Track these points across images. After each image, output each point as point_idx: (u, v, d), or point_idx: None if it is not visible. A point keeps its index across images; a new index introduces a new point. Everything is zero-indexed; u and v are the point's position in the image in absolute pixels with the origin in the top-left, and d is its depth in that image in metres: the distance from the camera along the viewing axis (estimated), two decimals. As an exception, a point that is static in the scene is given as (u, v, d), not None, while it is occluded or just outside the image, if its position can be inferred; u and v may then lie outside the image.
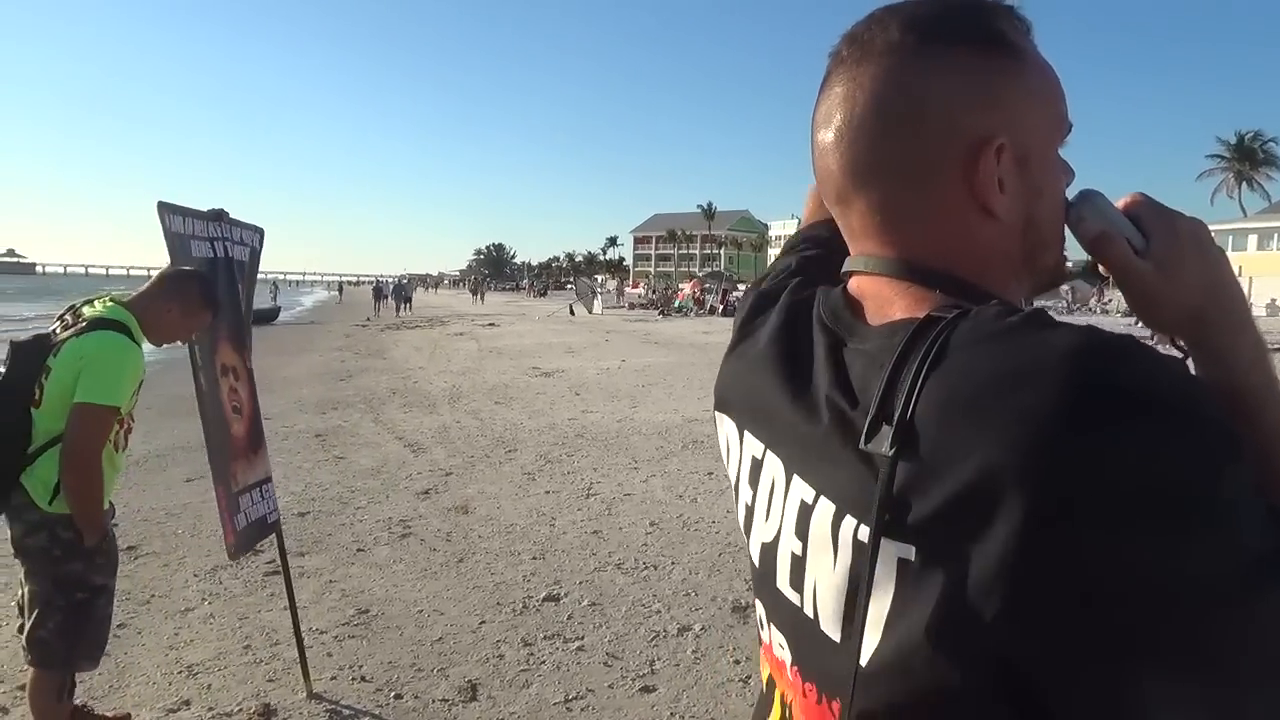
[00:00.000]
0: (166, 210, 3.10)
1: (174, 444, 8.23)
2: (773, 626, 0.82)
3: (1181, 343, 0.75)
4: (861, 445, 0.65)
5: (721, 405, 0.92)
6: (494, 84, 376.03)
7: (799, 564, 0.74)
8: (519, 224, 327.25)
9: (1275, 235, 49.80)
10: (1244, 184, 76.19)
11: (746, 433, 0.85)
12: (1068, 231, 0.78)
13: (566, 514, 6.35)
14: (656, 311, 41.47)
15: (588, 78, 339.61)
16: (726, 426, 0.91)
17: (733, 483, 0.89)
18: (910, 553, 0.61)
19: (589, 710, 3.52)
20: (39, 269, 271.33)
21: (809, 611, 0.73)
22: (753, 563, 0.85)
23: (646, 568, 5.15)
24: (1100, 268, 0.77)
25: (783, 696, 0.82)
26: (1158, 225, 0.75)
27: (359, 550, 5.49)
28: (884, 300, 0.75)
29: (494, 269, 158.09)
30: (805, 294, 0.86)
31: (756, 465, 0.82)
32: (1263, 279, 38.26)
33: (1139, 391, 0.56)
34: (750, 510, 0.84)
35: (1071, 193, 0.79)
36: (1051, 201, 0.75)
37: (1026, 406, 0.56)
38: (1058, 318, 0.63)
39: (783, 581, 0.77)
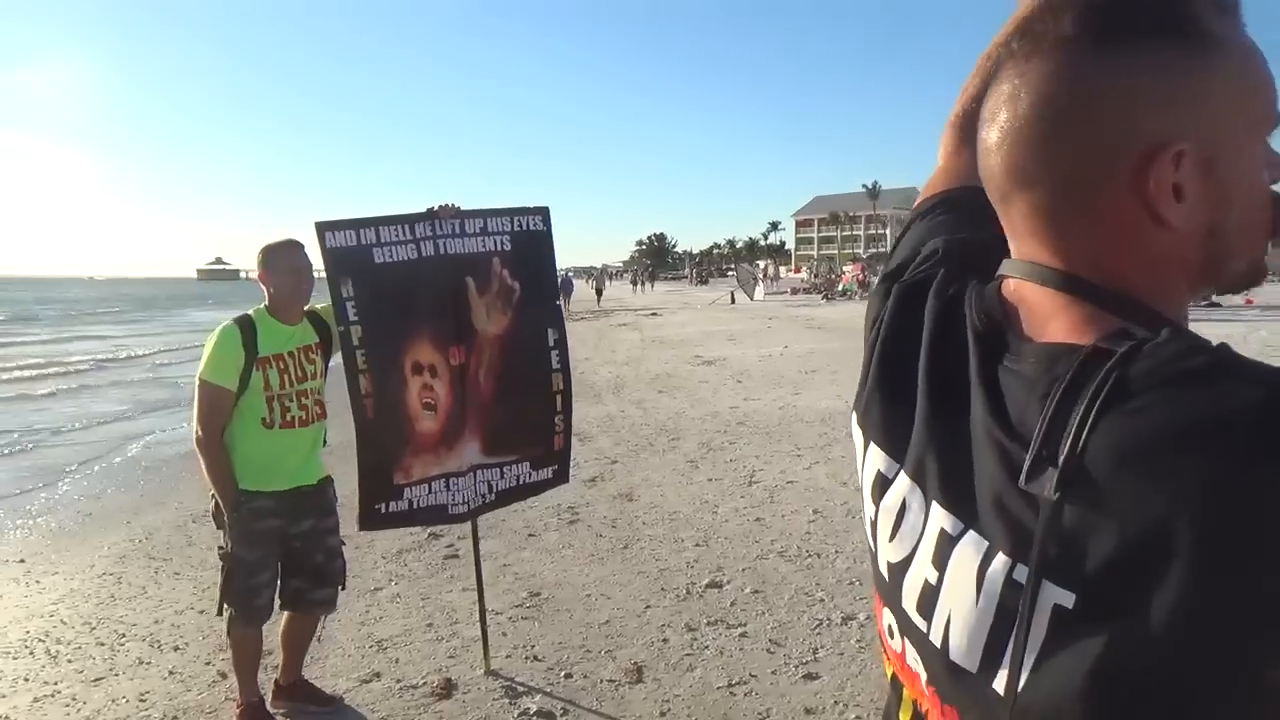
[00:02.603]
0: (327, 229, 3.34)
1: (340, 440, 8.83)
2: (905, 640, 0.80)
3: None
4: (1021, 483, 0.63)
5: (861, 415, 0.89)
6: (648, 73, 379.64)
7: (931, 592, 0.73)
8: (680, 213, 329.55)
9: None
10: None
11: (873, 445, 0.85)
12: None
13: (729, 501, 6.39)
14: (820, 295, 40.75)
15: (743, 61, 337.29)
16: (858, 435, 0.90)
17: (864, 482, 0.87)
18: (1070, 600, 0.60)
19: (752, 695, 3.55)
20: (243, 274, 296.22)
21: (936, 640, 0.72)
22: (880, 571, 0.84)
23: (809, 555, 5.13)
24: None
25: (916, 704, 0.81)
26: None
27: (530, 535, 5.73)
28: (1044, 313, 0.71)
29: (656, 258, 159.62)
30: (954, 291, 0.82)
31: (884, 482, 0.82)
32: None
33: None
34: (875, 524, 0.83)
35: None
36: (1245, 205, 0.69)
37: (1207, 465, 0.55)
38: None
39: (909, 604, 0.76)
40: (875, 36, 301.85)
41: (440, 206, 3.51)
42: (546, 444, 3.82)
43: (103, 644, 4.35)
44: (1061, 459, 0.60)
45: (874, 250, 77.88)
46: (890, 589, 0.81)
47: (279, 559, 3.33)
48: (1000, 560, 0.66)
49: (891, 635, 0.84)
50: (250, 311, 3.33)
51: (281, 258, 3.29)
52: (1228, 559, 0.54)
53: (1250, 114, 0.69)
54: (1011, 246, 0.76)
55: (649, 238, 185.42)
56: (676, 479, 7.14)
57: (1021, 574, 0.63)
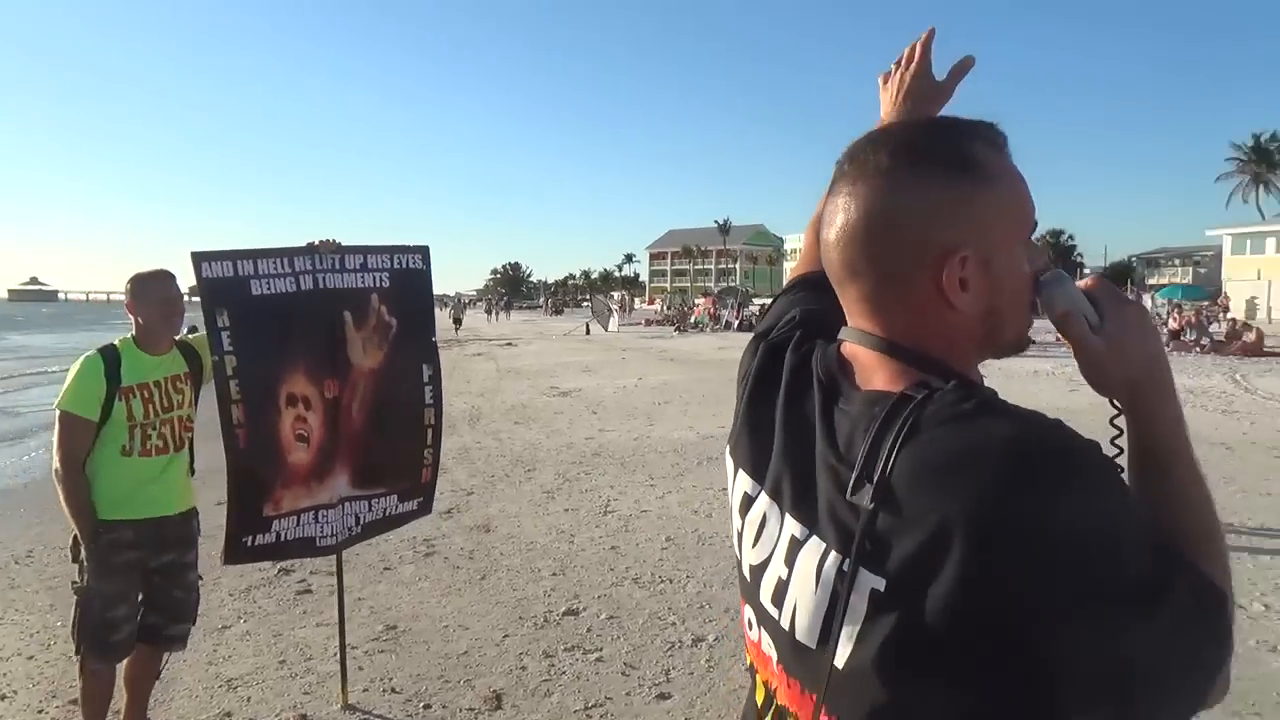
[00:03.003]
0: (204, 259, 3.33)
1: (209, 467, 8.48)
2: (761, 630, 1.02)
3: (1120, 403, 0.95)
4: (848, 497, 0.85)
5: (733, 447, 1.11)
6: (505, 104, 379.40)
7: (783, 586, 0.94)
8: (535, 243, 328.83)
9: (1294, 238, 49.42)
10: (1261, 186, 75.72)
11: (741, 471, 1.07)
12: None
13: (585, 531, 6.55)
14: (673, 328, 41.67)
15: (599, 95, 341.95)
16: (730, 463, 1.11)
17: (731, 499, 1.10)
18: (882, 584, 0.81)
19: (608, 717, 3.70)
20: (61, 296, 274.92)
21: (785, 624, 0.94)
22: (743, 575, 1.05)
23: (662, 581, 5.34)
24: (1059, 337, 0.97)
25: (767, 684, 1.03)
26: (1110, 308, 0.95)
27: (386, 569, 5.70)
28: (869, 369, 0.94)
29: (511, 288, 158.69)
30: (806, 348, 1.06)
31: (748, 501, 1.03)
32: (1282, 282, 38.09)
33: (1054, 473, 0.77)
34: (741, 535, 1.04)
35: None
36: (1012, 291, 0.93)
37: (972, 482, 0.78)
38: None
39: (766, 598, 0.98)
40: (730, 80, 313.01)
41: (320, 241, 3.55)
42: (415, 477, 3.88)
43: (-82, 696, 4.06)
44: (876, 477, 0.82)
45: (725, 284, 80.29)
46: (751, 588, 1.02)
47: (139, 593, 3.25)
48: (833, 557, 0.87)
49: (751, 628, 1.05)
50: (116, 341, 3.28)
51: (151, 288, 3.25)
52: (988, 549, 0.75)
53: (1016, 223, 0.94)
54: (847, 318, 1.00)
55: (504, 266, 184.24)
56: (533, 510, 7.24)
57: (846, 567, 0.85)
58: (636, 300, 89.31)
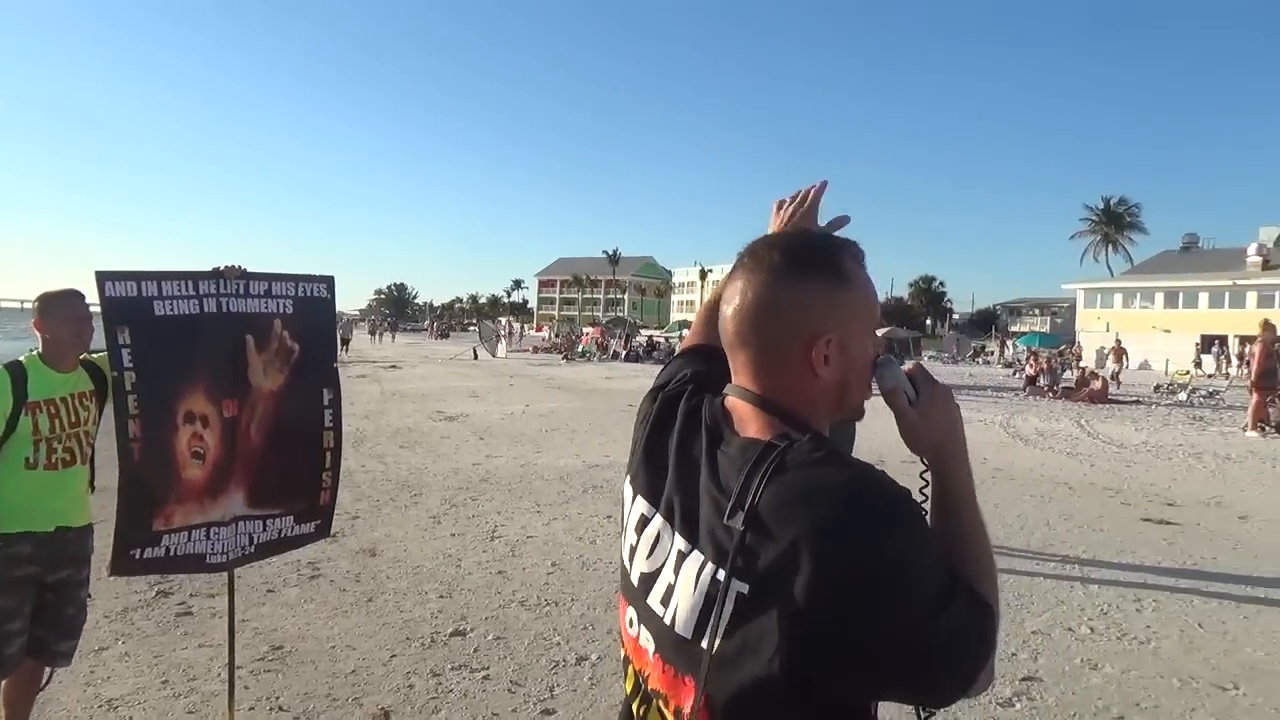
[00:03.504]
0: (107, 279, 3.39)
1: (103, 487, 8.18)
2: (641, 627, 1.27)
3: (927, 460, 1.28)
4: (725, 521, 1.13)
5: (632, 477, 1.38)
6: (389, 122, 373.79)
7: (670, 590, 1.21)
8: (422, 265, 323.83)
9: (1138, 295, 53.52)
10: (1110, 245, 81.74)
11: (639, 497, 1.33)
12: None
13: (472, 555, 6.67)
14: (560, 356, 41.83)
15: (490, 121, 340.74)
16: (629, 490, 1.38)
17: (625, 519, 1.36)
18: (746, 589, 1.09)
19: (494, 731, 3.87)
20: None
21: (668, 621, 1.20)
22: (630, 582, 1.31)
23: (548, 604, 5.53)
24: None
25: (640, 672, 1.28)
26: (924, 387, 1.29)
27: (269, 591, 5.69)
28: (745, 419, 1.24)
29: (395, 309, 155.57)
30: (696, 401, 1.35)
31: (644, 521, 1.30)
32: (1128, 335, 41.13)
33: (876, 510, 1.07)
34: (635, 549, 1.31)
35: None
36: (859, 369, 1.24)
37: (817, 513, 1.07)
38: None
39: (654, 600, 1.24)
40: (624, 113, 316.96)
41: (226, 267, 3.63)
42: (312, 499, 3.97)
43: None
44: (747, 506, 1.11)
45: (613, 315, 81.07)
46: (638, 593, 1.28)
47: (32, 607, 3.25)
48: (710, 567, 1.15)
49: (631, 625, 1.31)
50: (22, 358, 3.29)
51: (60, 306, 3.29)
52: (827, 561, 1.03)
53: (867, 319, 1.25)
54: (733, 376, 1.29)
55: (389, 287, 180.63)
56: (420, 534, 7.31)
57: (721, 575, 1.12)
58: (524, 326, 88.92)
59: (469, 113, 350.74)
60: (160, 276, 3.49)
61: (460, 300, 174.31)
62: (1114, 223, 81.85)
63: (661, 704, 1.21)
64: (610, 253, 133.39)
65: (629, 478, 1.39)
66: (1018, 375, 29.62)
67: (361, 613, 5.37)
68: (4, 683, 3.37)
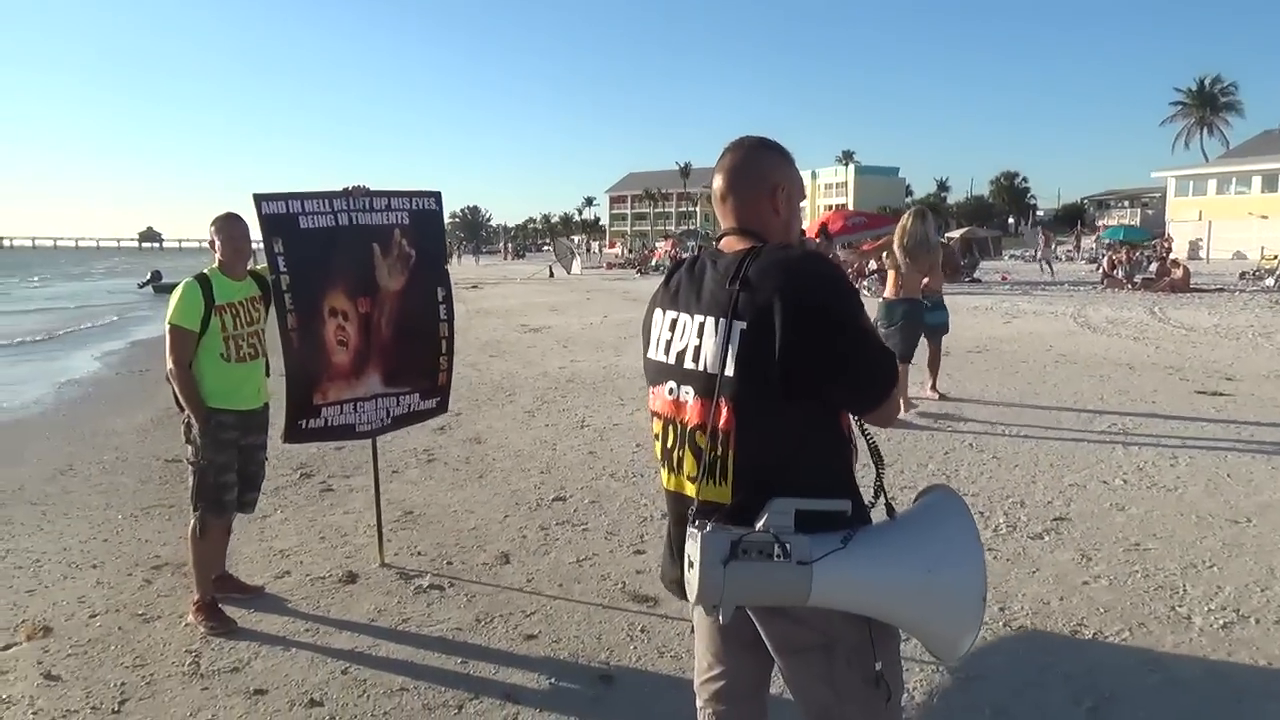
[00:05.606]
0: (263, 200, 4.16)
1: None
2: (682, 387, 1.91)
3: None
4: (726, 287, 1.80)
5: (656, 304, 2.04)
6: (460, 44, 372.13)
7: (698, 349, 1.86)
8: (494, 186, 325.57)
9: (1233, 180, 51.07)
10: (1204, 130, 77.53)
11: (665, 310, 1.99)
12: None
13: (565, 440, 7.48)
14: (634, 270, 42.43)
15: (558, 38, 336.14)
16: (656, 310, 2.03)
17: (655, 335, 2.00)
18: (745, 325, 1.76)
19: (596, 565, 4.66)
20: (6, 243, 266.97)
21: (702, 367, 1.85)
22: (666, 364, 1.95)
23: (635, 476, 6.30)
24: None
25: (679, 422, 1.91)
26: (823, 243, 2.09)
27: (394, 472, 6.58)
28: (732, 244, 1.91)
29: (470, 232, 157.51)
30: (698, 255, 2.02)
31: (672, 320, 1.95)
32: (1221, 222, 39.71)
33: (826, 271, 1.77)
34: (669, 341, 1.95)
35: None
36: (797, 216, 1.97)
37: (789, 272, 1.75)
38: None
39: (689, 362, 1.88)
40: (692, 20, 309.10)
41: (354, 186, 4.36)
42: (433, 379, 4.77)
43: (20, 567, 4.88)
44: (739, 276, 1.78)
45: (685, 227, 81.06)
46: (675, 367, 1.93)
47: (237, 464, 4.11)
48: (722, 322, 1.81)
49: (670, 393, 1.95)
50: (205, 270, 4.09)
51: (224, 228, 4.08)
52: (797, 303, 1.72)
53: (800, 182, 1.98)
54: (722, 224, 1.97)
55: (463, 210, 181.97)
56: (517, 426, 8.16)
57: (724, 321, 1.79)
58: (599, 244, 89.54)
59: (536, 30, 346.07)
60: (303, 196, 4.25)
61: (533, 220, 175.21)
62: (1208, 104, 77.52)
63: (697, 435, 1.86)
64: (682, 165, 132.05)
65: (656, 309, 2.03)
66: (1098, 270, 29.15)
67: (475, 486, 6.22)
68: (214, 531, 4.24)
